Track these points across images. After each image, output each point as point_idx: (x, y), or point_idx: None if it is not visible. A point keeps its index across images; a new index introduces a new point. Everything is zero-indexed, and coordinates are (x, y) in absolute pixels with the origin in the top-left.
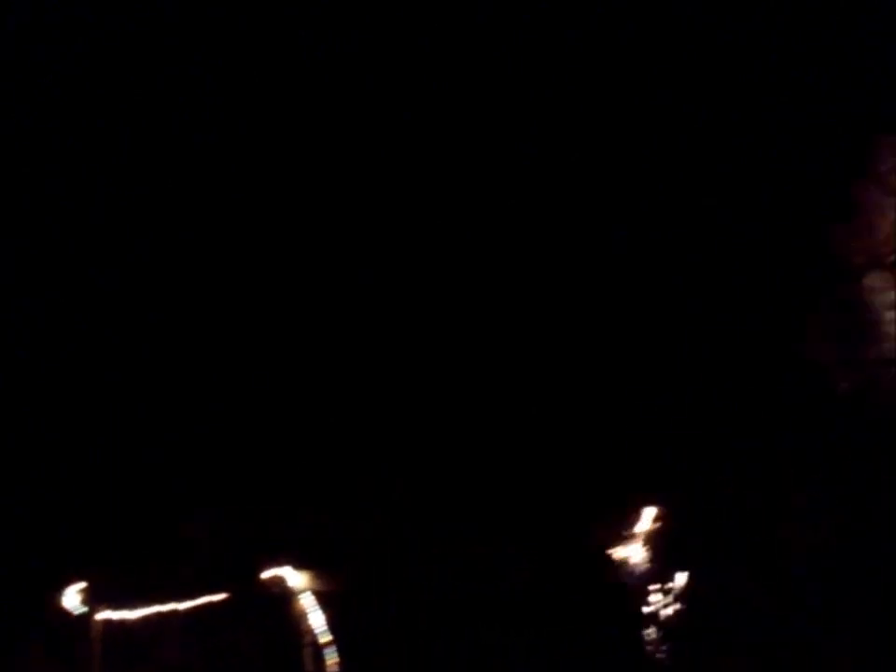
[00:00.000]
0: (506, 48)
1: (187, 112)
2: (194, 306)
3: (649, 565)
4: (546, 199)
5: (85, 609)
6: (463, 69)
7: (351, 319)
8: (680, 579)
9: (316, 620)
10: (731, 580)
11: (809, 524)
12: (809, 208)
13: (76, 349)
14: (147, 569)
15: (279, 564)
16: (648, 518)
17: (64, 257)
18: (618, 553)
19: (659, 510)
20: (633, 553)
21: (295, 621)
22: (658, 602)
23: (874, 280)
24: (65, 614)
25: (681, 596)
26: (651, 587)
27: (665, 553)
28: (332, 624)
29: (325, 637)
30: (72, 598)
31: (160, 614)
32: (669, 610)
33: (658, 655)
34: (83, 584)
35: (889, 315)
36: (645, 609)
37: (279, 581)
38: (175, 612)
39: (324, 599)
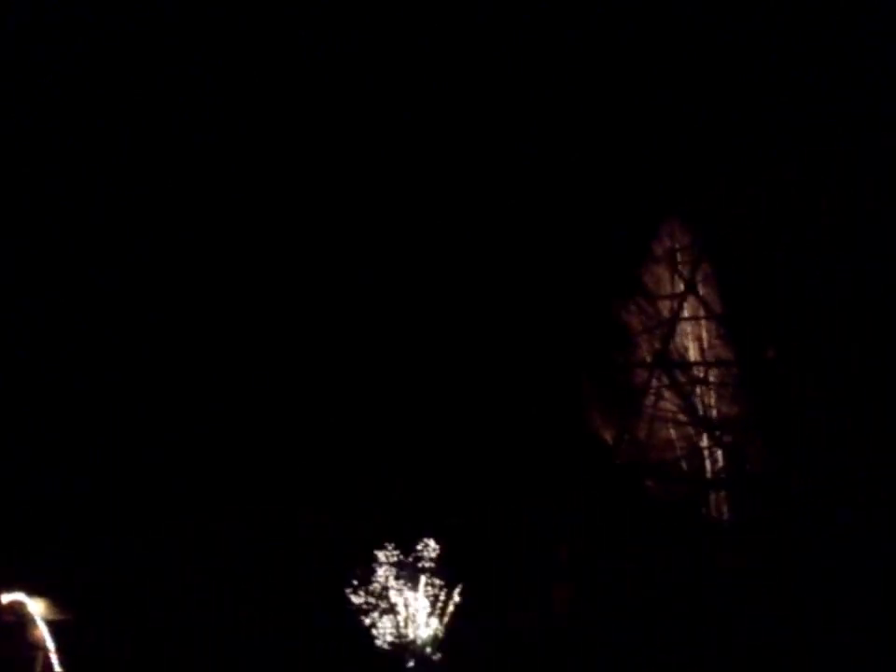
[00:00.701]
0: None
1: (187, 112)
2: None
3: None
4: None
5: None
6: (463, 69)
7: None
8: None
9: (52, 647)
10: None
11: None
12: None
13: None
14: None
15: (14, 589)
16: None
17: (64, 257)
18: None
19: None
20: None
21: (31, 648)
22: None
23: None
24: None
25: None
26: None
27: None
28: (63, 654)
29: (58, 667)
30: None
31: None
32: None
33: None
34: None
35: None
36: None
37: (16, 608)
38: None
39: (58, 628)
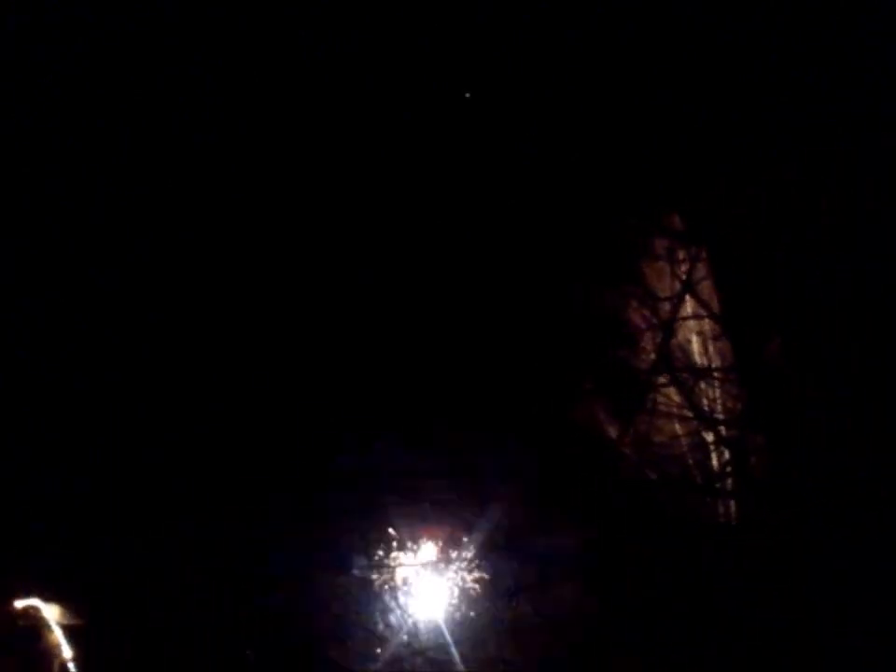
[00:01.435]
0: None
1: (187, 112)
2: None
3: None
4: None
5: None
6: (462, 69)
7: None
8: None
9: (67, 654)
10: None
11: None
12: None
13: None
14: None
15: (29, 594)
16: None
17: (64, 257)
18: None
19: None
20: None
21: (46, 654)
22: None
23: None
24: None
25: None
26: None
27: None
28: (80, 660)
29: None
30: None
31: None
32: None
33: None
34: None
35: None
36: None
37: (31, 613)
38: None
39: (74, 633)
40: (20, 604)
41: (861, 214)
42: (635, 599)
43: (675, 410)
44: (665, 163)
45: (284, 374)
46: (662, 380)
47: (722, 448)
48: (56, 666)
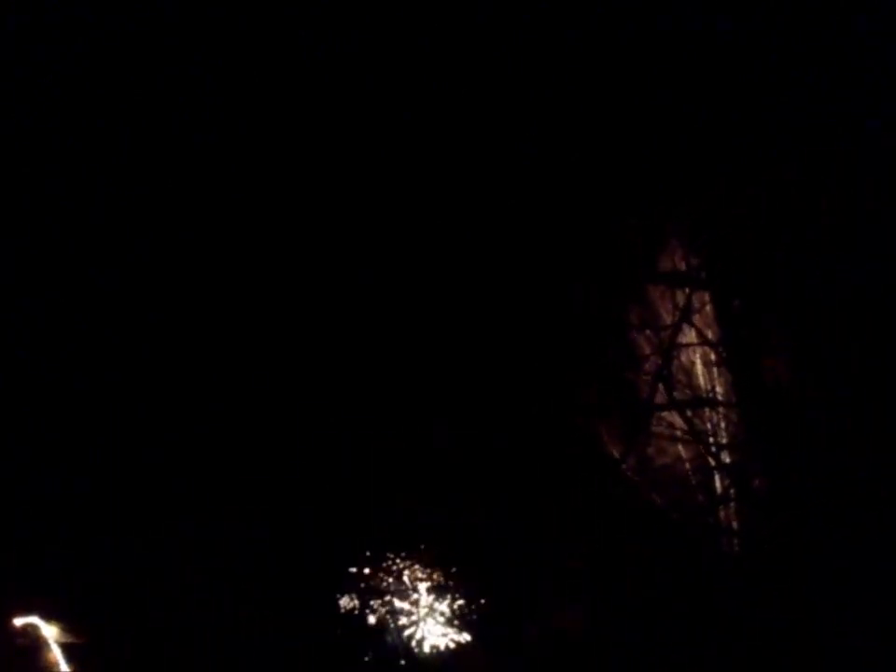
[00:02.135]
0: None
1: (187, 112)
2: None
3: None
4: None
5: None
6: (462, 70)
7: None
8: None
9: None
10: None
11: None
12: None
13: None
14: None
15: (28, 613)
16: None
17: (64, 257)
18: None
19: None
20: None
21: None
22: None
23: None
24: None
25: None
26: None
27: None
28: None
29: None
30: None
31: None
32: None
33: None
34: None
35: None
36: None
37: (30, 631)
38: None
39: (72, 651)
40: (19, 622)
41: (861, 214)
42: (635, 601)
43: (677, 433)
44: (665, 164)
45: (284, 374)
46: (662, 403)
47: (724, 471)
48: None
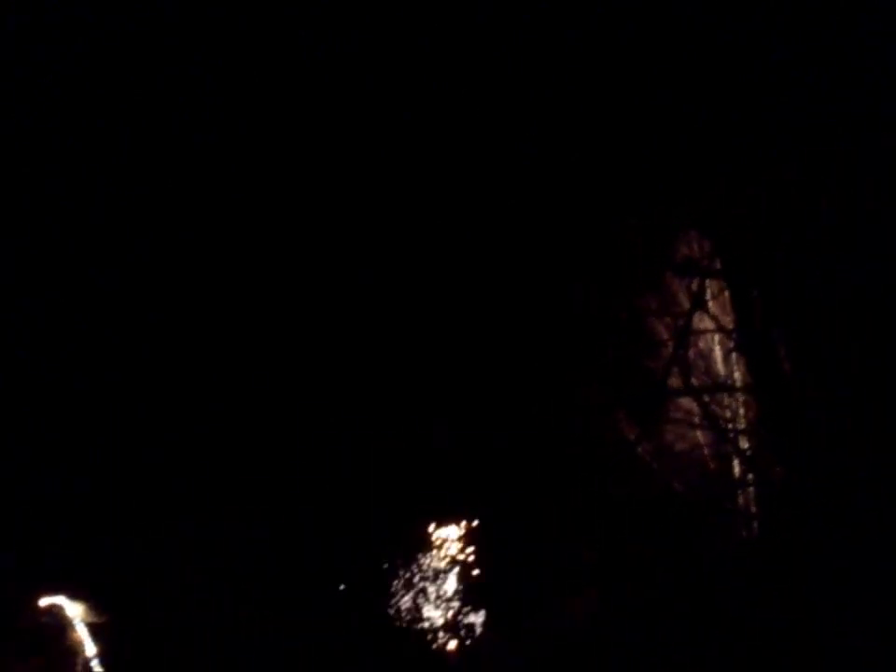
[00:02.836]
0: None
1: (187, 112)
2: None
3: None
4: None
5: None
6: (464, 70)
7: None
8: None
9: (91, 651)
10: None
11: None
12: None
13: None
14: None
15: (54, 593)
16: None
17: (64, 257)
18: None
19: None
20: None
21: (70, 651)
22: None
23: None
24: None
25: None
26: None
27: None
28: (104, 657)
29: (99, 669)
30: None
31: None
32: None
33: None
34: None
35: None
36: None
37: (55, 610)
38: None
39: (97, 631)
40: (44, 602)
41: (862, 214)
42: (649, 590)
43: (694, 419)
44: (667, 161)
45: (284, 374)
46: (679, 389)
47: (741, 457)
48: (80, 663)
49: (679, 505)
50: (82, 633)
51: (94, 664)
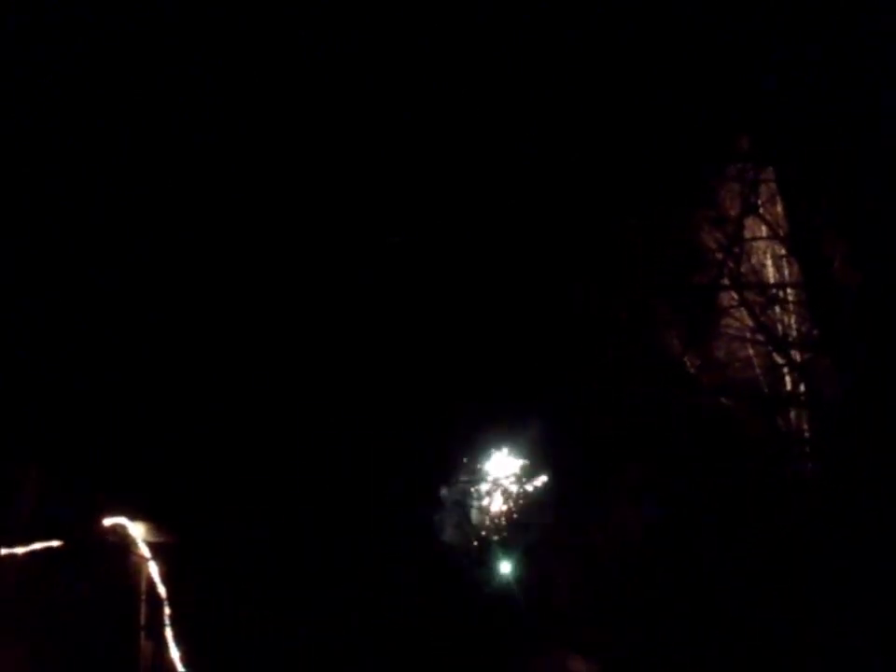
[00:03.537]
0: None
1: (187, 112)
2: None
3: None
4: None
5: None
6: (466, 70)
7: None
8: None
9: (154, 570)
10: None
11: None
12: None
13: None
14: None
15: (117, 513)
16: None
17: (64, 257)
18: None
19: None
20: None
21: (133, 570)
22: None
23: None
24: None
25: None
26: None
27: None
28: (167, 576)
29: (162, 588)
30: None
31: None
32: None
33: None
34: None
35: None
36: None
37: (119, 530)
38: (11, 557)
39: (160, 550)
40: (108, 522)
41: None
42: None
43: (747, 334)
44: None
45: (284, 374)
46: (732, 302)
47: (794, 371)
48: (143, 582)
49: (728, 420)
50: (145, 552)
51: (157, 582)
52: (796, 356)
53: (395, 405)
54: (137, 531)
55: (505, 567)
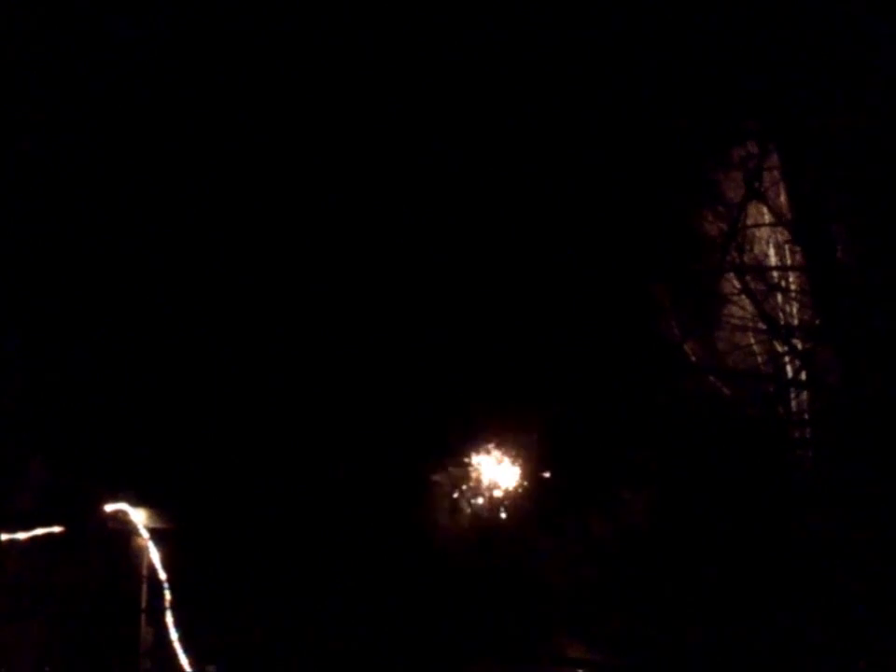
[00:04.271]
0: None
1: (187, 112)
2: None
3: None
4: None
5: None
6: (472, 69)
7: None
8: None
9: (155, 556)
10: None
11: None
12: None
13: None
14: None
15: (119, 499)
16: None
17: (65, 256)
18: None
19: None
20: None
21: (134, 556)
22: None
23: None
24: None
25: None
26: None
27: None
28: (168, 562)
29: (162, 573)
30: None
31: None
32: None
33: None
34: None
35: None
36: None
37: (120, 516)
38: (14, 542)
39: (160, 536)
40: (109, 508)
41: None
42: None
43: (749, 324)
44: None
45: (285, 374)
46: (735, 291)
47: (795, 357)
48: (144, 567)
49: (728, 408)
50: (146, 538)
51: (158, 567)
52: (797, 344)
53: (389, 390)
54: (138, 517)
55: (502, 553)
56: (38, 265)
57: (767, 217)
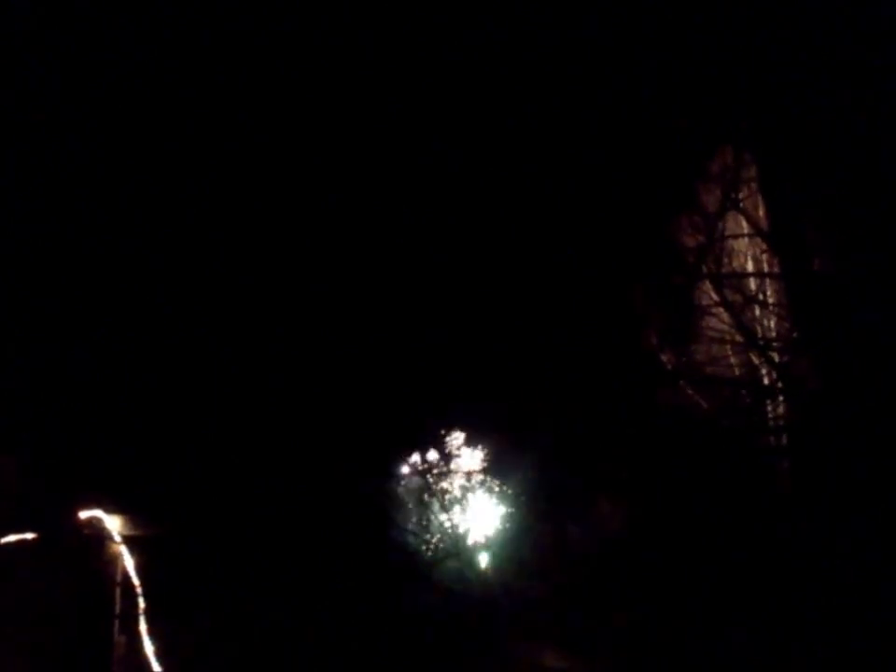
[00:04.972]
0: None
1: (187, 112)
2: None
3: None
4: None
5: None
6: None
7: None
8: None
9: (129, 563)
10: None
11: None
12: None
13: None
14: None
15: (93, 506)
16: None
17: (65, 257)
18: None
19: None
20: None
21: (108, 563)
22: None
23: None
24: None
25: None
26: None
27: None
28: (142, 569)
29: (137, 581)
30: None
31: None
32: None
33: None
34: None
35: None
36: None
37: (94, 523)
38: None
39: (135, 543)
40: (84, 515)
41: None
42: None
43: (726, 336)
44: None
45: (284, 374)
46: (712, 303)
47: (772, 368)
48: (118, 574)
49: (705, 421)
50: (120, 545)
51: (132, 574)
52: (774, 356)
53: (362, 381)
54: (113, 524)
55: (479, 560)
56: (32, 265)
57: (746, 227)
